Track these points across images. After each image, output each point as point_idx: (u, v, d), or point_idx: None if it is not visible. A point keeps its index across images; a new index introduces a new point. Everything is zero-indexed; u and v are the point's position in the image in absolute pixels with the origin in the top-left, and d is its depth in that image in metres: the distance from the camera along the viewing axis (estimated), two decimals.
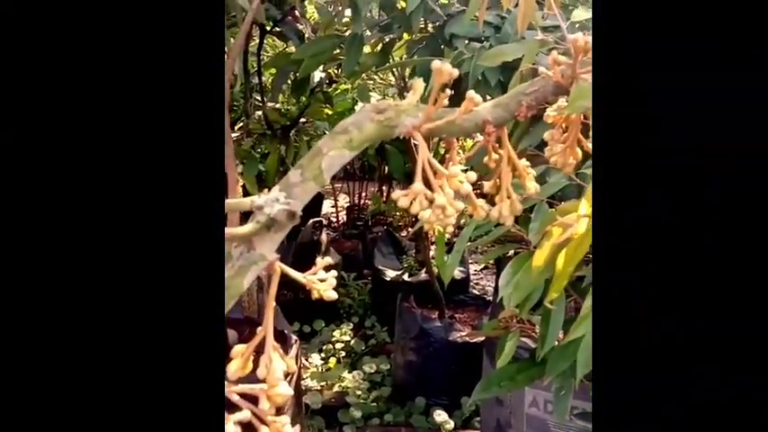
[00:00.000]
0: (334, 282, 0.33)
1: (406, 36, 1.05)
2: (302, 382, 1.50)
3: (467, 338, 1.34)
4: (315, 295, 0.32)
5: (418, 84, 0.30)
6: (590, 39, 0.28)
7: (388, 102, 0.28)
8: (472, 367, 1.23)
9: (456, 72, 0.26)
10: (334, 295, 0.32)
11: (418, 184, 0.26)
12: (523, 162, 0.35)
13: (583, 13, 0.72)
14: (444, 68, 0.26)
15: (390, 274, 1.85)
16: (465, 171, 0.32)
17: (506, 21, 0.81)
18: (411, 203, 0.26)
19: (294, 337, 1.06)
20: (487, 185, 0.36)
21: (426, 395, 1.41)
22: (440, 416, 1.33)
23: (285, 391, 0.29)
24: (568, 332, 0.39)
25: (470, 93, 0.28)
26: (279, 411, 0.29)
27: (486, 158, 0.35)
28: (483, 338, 1.19)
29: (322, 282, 0.33)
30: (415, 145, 0.30)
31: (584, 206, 0.30)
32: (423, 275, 1.72)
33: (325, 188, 2.91)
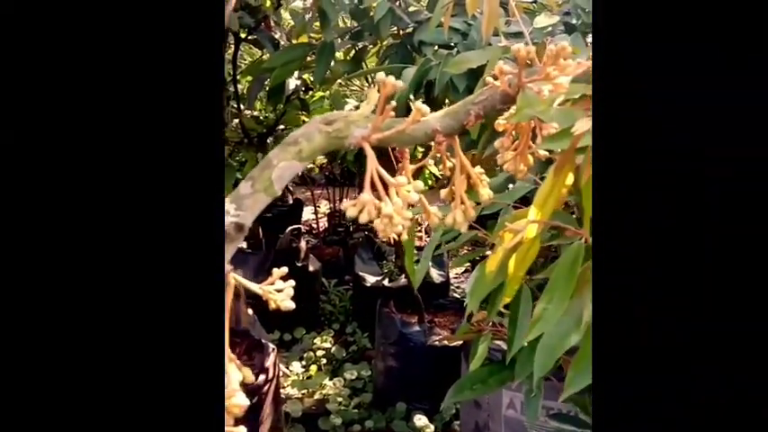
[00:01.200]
0: (292, 291, 0.33)
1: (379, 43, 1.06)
2: (283, 390, 1.49)
3: (445, 342, 1.34)
4: (272, 306, 0.32)
5: (372, 94, 0.31)
6: (532, 48, 0.28)
7: (338, 113, 0.29)
8: (452, 371, 1.23)
9: (401, 84, 0.27)
10: (290, 305, 0.33)
11: (365, 195, 0.27)
12: (478, 169, 0.36)
13: (545, 20, 0.74)
14: (388, 81, 0.26)
15: (371, 279, 1.85)
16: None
17: (473, 27, 0.82)
18: (360, 213, 0.27)
19: (272, 346, 1.05)
20: (443, 192, 0.36)
21: (407, 400, 1.41)
22: (420, 420, 1.33)
23: (242, 401, 0.29)
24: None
25: (418, 103, 0.29)
26: (237, 422, 0.29)
27: (440, 166, 0.35)
28: (462, 342, 1.20)
29: (279, 292, 0.33)
30: (390, 150, 0.30)
31: (533, 212, 0.31)
32: (402, 281, 1.72)
33: (306, 195, 2.91)
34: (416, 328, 1.45)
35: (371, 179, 0.27)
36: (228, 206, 0.27)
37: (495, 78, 0.31)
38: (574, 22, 0.96)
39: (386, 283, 1.79)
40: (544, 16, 0.73)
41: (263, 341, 1.06)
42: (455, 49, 0.84)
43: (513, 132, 0.35)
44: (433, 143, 0.32)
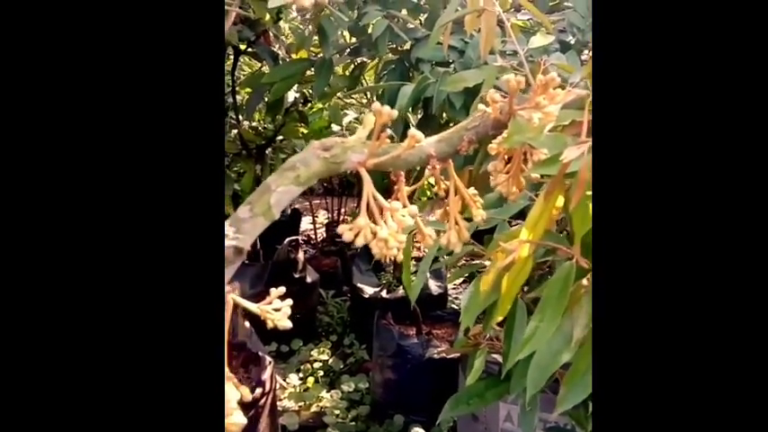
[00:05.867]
0: (289, 311, 0.34)
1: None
2: (279, 402, 1.49)
3: (444, 354, 1.34)
4: (269, 325, 0.33)
5: (368, 119, 0.32)
6: (522, 78, 0.30)
7: (334, 139, 0.30)
8: (450, 383, 1.23)
9: (395, 113, 0.28)
10: (287, 324, 0.33)
11: (362, 219, 0.27)
12: (471, 191, 0.37)
13: (541, 39, 0.75)
14: (384, 110, 0.27)
15: (368, 291, 1.85)
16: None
17: (469, 45, 0.83)
18: (356, 237, 0.28)
19: (269, 359, 1.06)
20: (437, 214, 0.37)
21: (405, 413, 1.41)
22: None
23: (239, 420, 0.29)
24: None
25: (412, 130, 0.30)
26: None
27: (435, 188, 0.36)
28: (459, 354, 1.20)
29: (276, 311, 0.34)
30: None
31: (525, 233, 0.32)
32: (401, 292, 1.73)
33: (304, 205, 2.92)
34: (414, 340, 1.45)
35: (367, 203, 0.28)
36: (228, 229, 0.28)
37: (488, 105, 0.32)
38: (569, 40, 0.98)
39: (384, 294, 1.80)
40: (540, 36, 0.75)
41: (260, 354, 1.06)
42: (452, 67, 0.85)
43: (506, 156, 0.36)
44: (427, 167, 0.33)
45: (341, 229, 0.27)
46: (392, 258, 0.31)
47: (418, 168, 0.33)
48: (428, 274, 1.81)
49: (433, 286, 1.79)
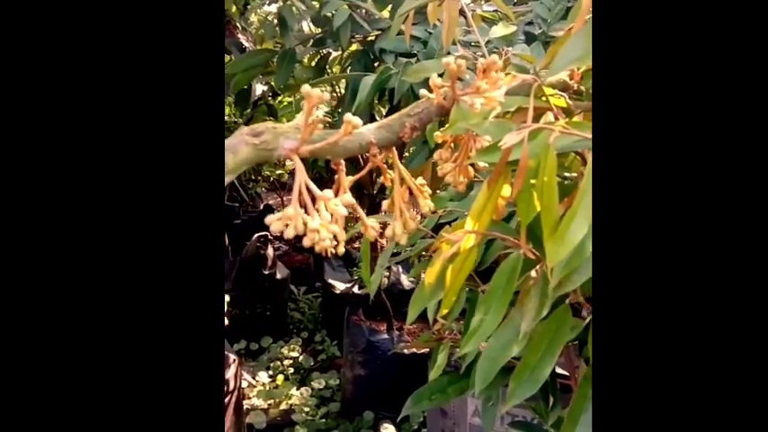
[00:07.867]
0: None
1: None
2: (248, 401, 1.46)
3: (414, 350, 1.34)
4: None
5: (305, 104, 0.30)
6: (463, 62, 0.28)
7: (265, 124, 0.28)
8: (420, 379, 1.23)
9: (326, 96, 0.26)
10: None
11: (291, 208, 0.26)
12: (419, 180, 0.35)
13: (503, 29, 0.74)
14: (313, 93, 0.26)
15: (340, 286, 1.84)
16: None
17: (432, 36, 0.82)
18: (286, 227, 0.26)
19: (233, 357, 1.03)
20: (385, 203, 0.36)
21: (375, 409, 1.40)
22: (387, 429, 1.32)
23: None
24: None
25: (348, 115, 0.28)
26: None
27: (381, 178, 0.35)
28: (429, 349, 1.19)
29: None
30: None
31: (469, 223, 0.31)
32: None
33: (276, 200, 2.87)
34: (385, 335, 1.44)
35: (299, 192, 0.27)
36: None
37: (431, 91, 0.31)
38: (535, 31, 0.98)
39: (355, 290, 1.78)
40: (501, 26, 0.74)
41: (225, 352, 1.03)
42: (416, 58, 0.84)
43: (452, 144, 0.34)
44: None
45: (269, 219, 0.26)
46: (333, 251, 0.30)
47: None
48: (400, 269, 1.80)
49: (405, 281, 1.78)
